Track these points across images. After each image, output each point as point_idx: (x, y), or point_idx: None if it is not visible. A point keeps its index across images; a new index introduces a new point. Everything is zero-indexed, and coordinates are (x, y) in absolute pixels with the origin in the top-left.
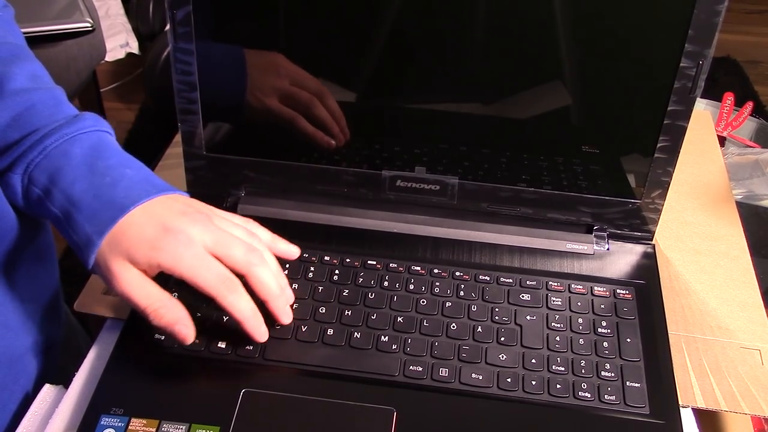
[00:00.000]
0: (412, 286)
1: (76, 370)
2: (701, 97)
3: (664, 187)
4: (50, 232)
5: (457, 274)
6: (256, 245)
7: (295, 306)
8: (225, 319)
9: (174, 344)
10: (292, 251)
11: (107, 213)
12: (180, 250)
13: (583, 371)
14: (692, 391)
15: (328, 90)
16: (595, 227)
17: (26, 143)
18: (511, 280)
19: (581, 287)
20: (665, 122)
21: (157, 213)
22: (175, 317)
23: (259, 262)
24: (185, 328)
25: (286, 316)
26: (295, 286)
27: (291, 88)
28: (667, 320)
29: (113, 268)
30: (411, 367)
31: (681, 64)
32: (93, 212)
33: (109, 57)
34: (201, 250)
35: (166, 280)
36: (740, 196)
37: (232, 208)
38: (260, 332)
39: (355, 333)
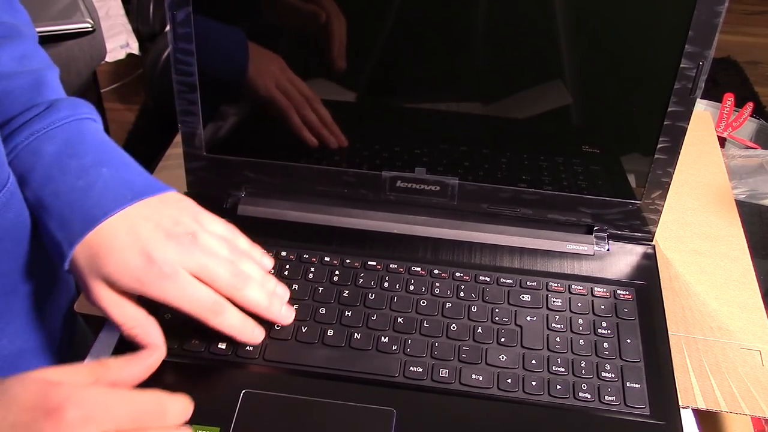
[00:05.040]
0: (412, 287)
1: None
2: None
3: (665, 187)
4: None
5: (458, 274)
6: (240, 263)
7: (295, 306)
8: None
9: (174, 345)
10: (265, 263)
11: (78, 224)
12: (166, 283)
13: (583, 372)
14: (692, 391)
15: (329, 90)
16: (595, 228)
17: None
18: (511, 281)
19: (581, 288)
20: (665, 123)
21: (139, 231)
22: (147, 341)
23: (242, 284)
24: (158, 354)
25: (285, 319)
26: (295, 287)
27: (286, 84)
28: (667, 321)
29: (90, 284)
30: (411, 368)
31: (681, 65)
32: (63, 220)
33: (110, 57)
34: (186, 279)
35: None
36: (743, 195)
37: (232, 209)
38: (254, 340)
39: (355, 334)
